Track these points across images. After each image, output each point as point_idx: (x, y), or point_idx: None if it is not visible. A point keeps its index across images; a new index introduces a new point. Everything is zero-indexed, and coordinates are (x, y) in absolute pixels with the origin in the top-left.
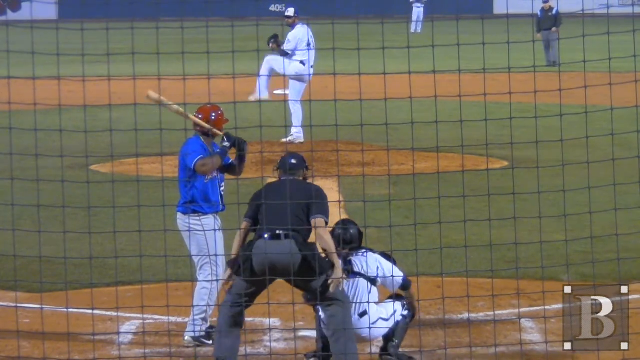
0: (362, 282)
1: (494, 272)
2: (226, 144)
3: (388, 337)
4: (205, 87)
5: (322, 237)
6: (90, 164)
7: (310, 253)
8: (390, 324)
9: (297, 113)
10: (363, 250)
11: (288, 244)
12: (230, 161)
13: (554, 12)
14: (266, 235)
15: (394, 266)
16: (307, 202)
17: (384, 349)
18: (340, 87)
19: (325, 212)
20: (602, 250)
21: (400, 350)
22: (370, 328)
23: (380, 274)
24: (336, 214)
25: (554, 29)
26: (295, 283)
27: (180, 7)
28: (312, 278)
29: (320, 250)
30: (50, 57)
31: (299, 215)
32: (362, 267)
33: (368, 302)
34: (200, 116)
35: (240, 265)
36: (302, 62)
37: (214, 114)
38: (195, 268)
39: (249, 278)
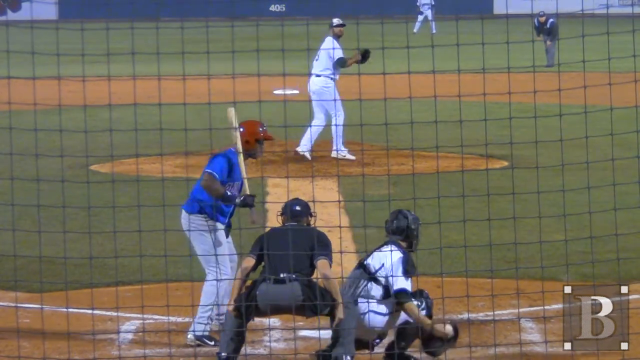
0: (363, 274)
1: (494, 272)
2: (237, 200)
3: (397, 338)
4: (205, 87)
5: (327, 277)
6: (90, 164)
7: (311, 284)
8: (393, 320)
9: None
10: (386, 246)
11: (290, 287)
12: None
13: (548, 25)
14: (269, 280)
15: (402, 271)
16: (310, 246)
17: (388, 349)
18: (340, 87)
19: (328, 255)
20: (602, 250)
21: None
22: (369, 313)
23: (382, 272)
24: (336, 214)
25: (548, 42)
26: (299, 313)
27: (180, 7)
28: (314, 311)
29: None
30: (50, 57)
31: (302, 259)
32: (375, 263)
33: (371, 301)
34: (242, 130)
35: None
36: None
37: (261, 129)
38: (202, 267)
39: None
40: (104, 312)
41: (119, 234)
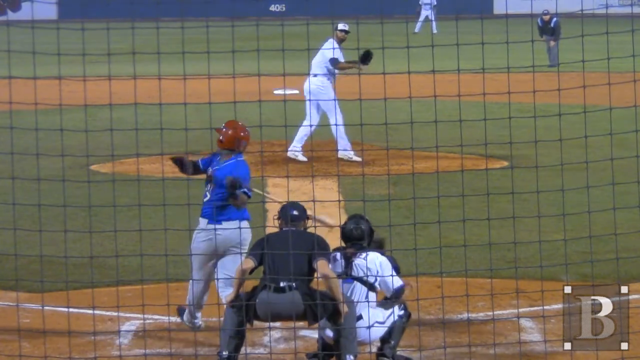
0: (359, 287)
1: (494, 271)
2: (243, 193)
3: (384, 339)
4: (205, 87)
5: (327, 276)
6: (90, 163)
7: (313, 296)
8: (387, 325)
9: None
10: (365, 254)
11: (291, 296)
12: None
13: (552, 24)
14: (269, 288)
15: (395, 273)
16: (309, 251)
17: (380, 350)
18: (340, 87)
19: (327, 257)
20: (602, 250)
21: (399, 350)
22: (369, 327)
23: (380, 275)
24: (336, 214)
25: (552, 42)
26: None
27: (180, 7)
28: (315, 318)
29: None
30: (50, 57)
31: (302, 265)
32: (361, 272)
33: (368, 302)
34: (228, 130)
35: (242, 308)
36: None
37: (242, 133)
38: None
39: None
40: (104, 312)
41: (119, 234)
